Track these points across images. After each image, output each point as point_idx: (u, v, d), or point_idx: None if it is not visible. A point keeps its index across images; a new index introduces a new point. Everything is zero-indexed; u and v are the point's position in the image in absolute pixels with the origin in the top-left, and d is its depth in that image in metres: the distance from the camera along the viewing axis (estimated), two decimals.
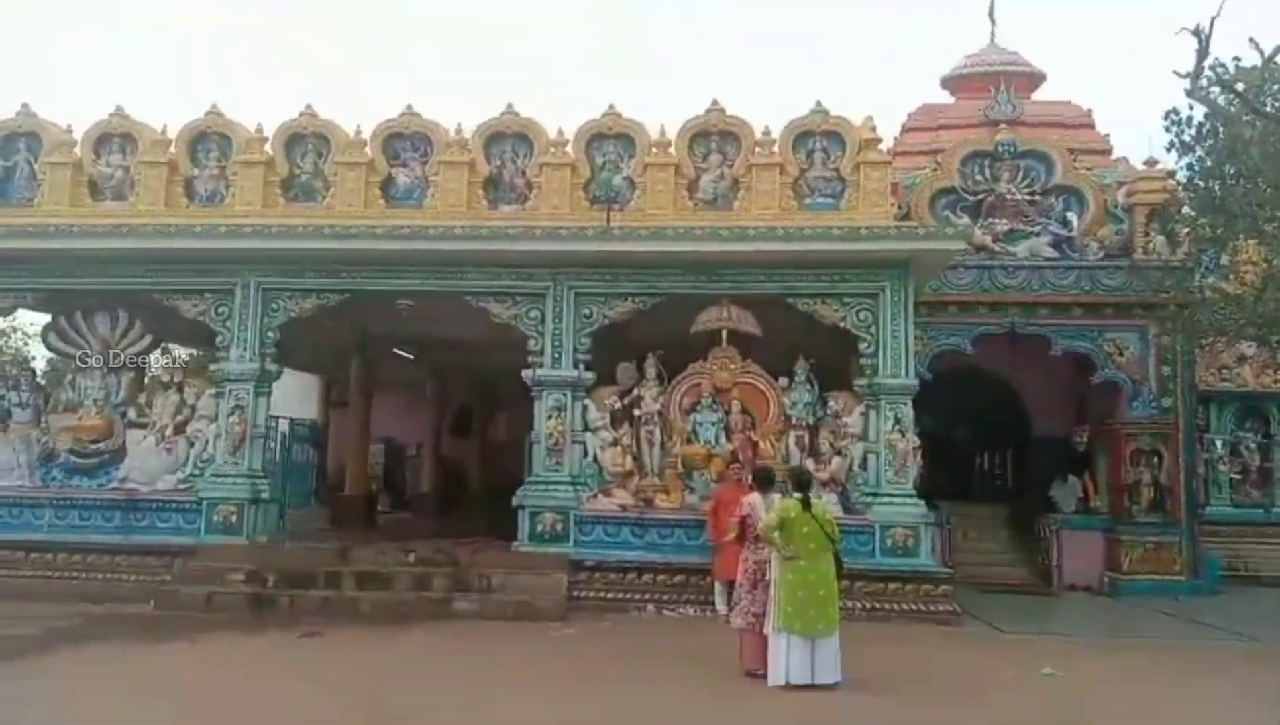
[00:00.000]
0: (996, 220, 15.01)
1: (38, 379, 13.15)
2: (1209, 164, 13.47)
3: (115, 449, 12.50)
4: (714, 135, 12.55)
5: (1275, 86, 13.16)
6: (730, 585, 10.83)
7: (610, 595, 11.55)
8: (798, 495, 8.19)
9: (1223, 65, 13.20)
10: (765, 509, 8.45)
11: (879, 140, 12.64)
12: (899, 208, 13.85)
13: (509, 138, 12.71)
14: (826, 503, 10.95)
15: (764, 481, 8.91)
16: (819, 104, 12.55)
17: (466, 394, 21.14)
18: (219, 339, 12.42)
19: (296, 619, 10.45)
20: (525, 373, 12.22)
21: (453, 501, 19.83)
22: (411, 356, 18.37)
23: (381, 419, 19.19)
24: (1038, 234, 15.00)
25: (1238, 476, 16.08)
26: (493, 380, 19.04)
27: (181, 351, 13.61)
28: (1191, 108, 13.54)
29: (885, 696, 7.58)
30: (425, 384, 20.09)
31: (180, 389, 12.58)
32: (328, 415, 21.02)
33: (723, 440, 12.09)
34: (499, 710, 7.06)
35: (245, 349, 12.32)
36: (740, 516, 8.63)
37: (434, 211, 12.39)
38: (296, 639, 9.50)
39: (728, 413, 12.14)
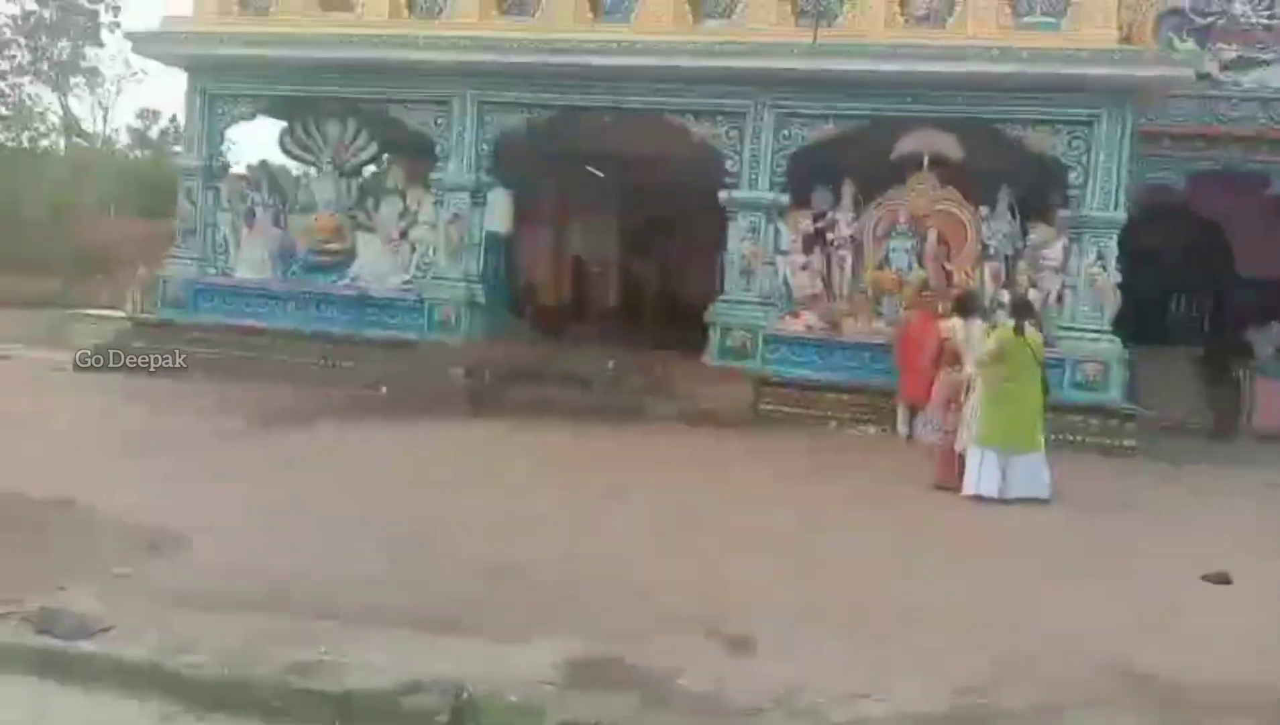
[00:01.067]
0: (1225, 46, 14.08)
1: (276, 181, 14.30)
2: None
3: (347, 249, 13.67)
4: None
5: None
6: (912, 409, 11.28)
7: (795, 411, 12.04)
8: (1014, 322, 8.48)
9: None
10: (964, 334, 8.73)
11: None
12: (1119, 29, 13.11)
13: None
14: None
15: (966, 307, 9.13)
16: None
17: (648, 214, 21.59)
18: (438, 149, 13.21)
19: (510, 410, 11.43)
20: (721, 194, 12.53)
21: (634, 318, 20.65)
22: (601, 174, 18.87)
23: (568, 236, 19.96)
24: (1269, 63, 14.02)
25: None
26: (674, 201, 19.39)
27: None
28: None
29: (1069, 512, 7.96)
30: (611, 203, 20.62)
31: (403, 196, 13.53)
32: (517, 229, 21.90)
33: (915, 267, 12.22)
34: (707, 492, 7.85)
35: (463, 161, 13.09)
36: (941, 339, 8.94)
37: (640, 25, 12.52)
38: (518, 427, 10.51)
39: (922, 240, 12.21)
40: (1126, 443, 11.30)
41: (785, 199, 12.43)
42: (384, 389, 12.50)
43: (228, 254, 14.06)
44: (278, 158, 14.42)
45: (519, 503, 7.02)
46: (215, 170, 14.07)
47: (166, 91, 56.17)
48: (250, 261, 13.92)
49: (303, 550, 5.41)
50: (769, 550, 6.18)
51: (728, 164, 12.47)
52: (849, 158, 12.33)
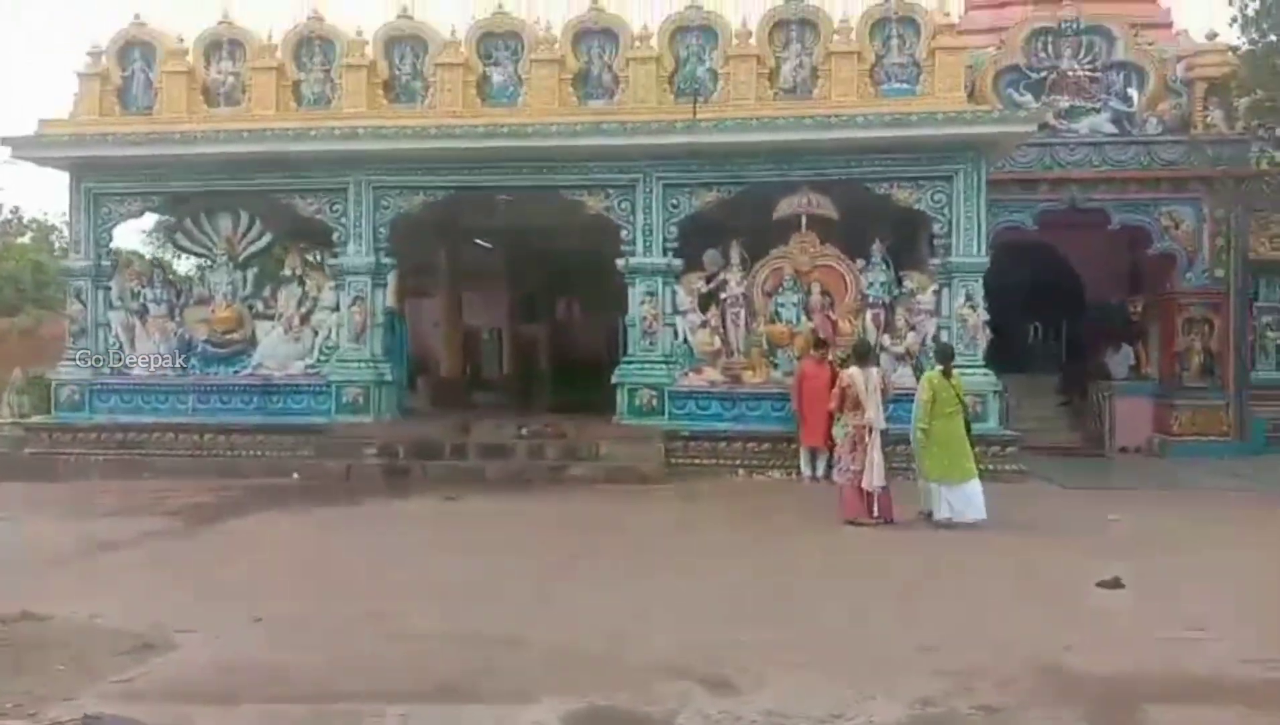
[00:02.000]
0: (1058, 97, 15.44)
1: (168, 275, 14.21)
2: (1272, 38, 13.83)
3: (247, 338, 13.67)
4: (793, 24, 13.06)
5: None
6: (813, 451, 12.04)
7: (704, 462, 12.68)
8: (940, 367, 9.47)
9: None
10: (863, 381, 9.47)
11: (953, 26, 13.12)
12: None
13: (596, 34, 13.28)
14: (901, 375, 12.06)
15: (862, 356, 9.90)
16: None
17: (536, 279, 22.05)
18: (335, 235, 13.43)
19: (430, 486, 11.69)
20: (619, 261, 13.14)
21: (528, 383, 20.97)
22: (489, 246, 19.30)
23: (460, 306, 20.21)
24: (1098, 110, 15.47)
25: None
26: (560, 266, 19.98)
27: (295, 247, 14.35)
28: None
29: (982, 533, 8.75)
30: (500, 271, 21.01)
31: (302, 282, 13.65)
32: (403, 303, 22.07)
33: (803, 319, 13.03)
34: (653, 546, 8.34)
35: (361, 244, 13.33)
36: (841, 387, 9.67)
37: (528, 109, 13.10)
38: (443, 501, 10.75)
39: (808, 293, 13.05)
40: (1011, 467, 12.24)
41: (679, 263, 13.12)
42: (295, 475, 12.55)
43: (122, 352, 13.84)
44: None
45: (478, 574, 7.30)
46: (104, 269, 13.89)
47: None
48: (146, 357, 13.75)
49: (287, 639, 5.58)
50: (726, 593, 6.66)
51: (622, 233, 13.10)
52: (735, 220, 13.13)
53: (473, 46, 13.42)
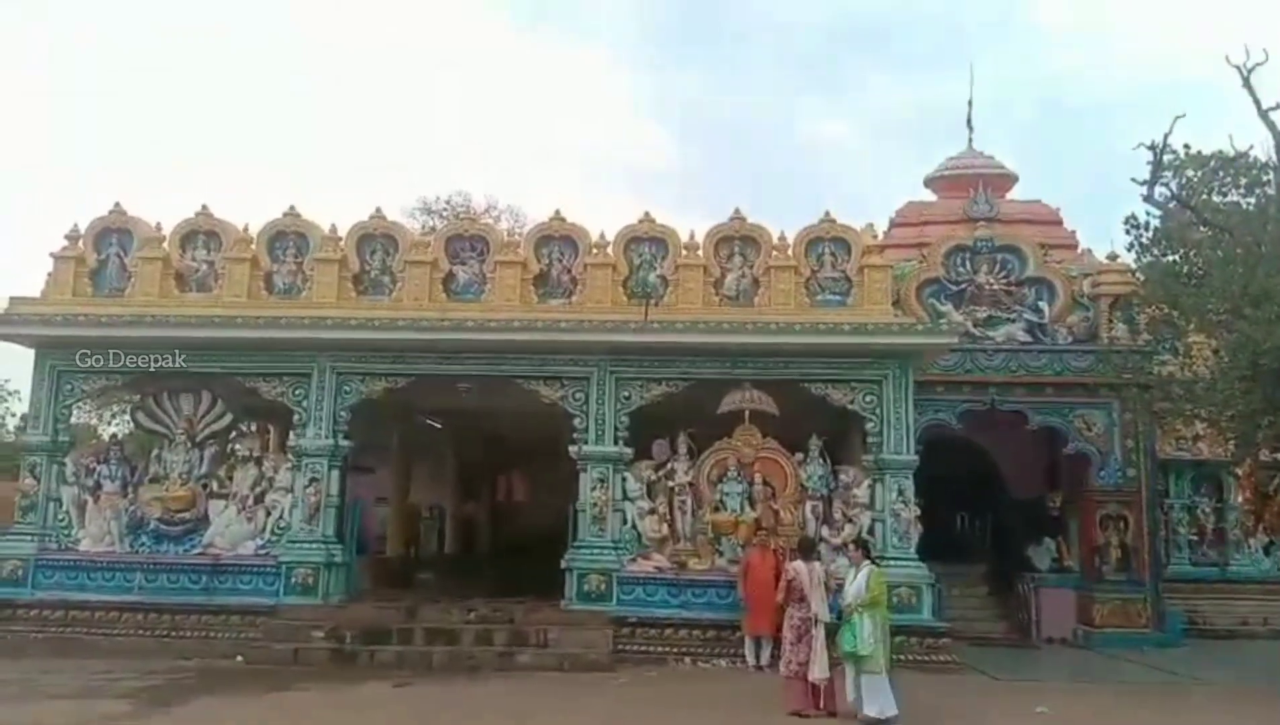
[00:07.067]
0: (976, 308, 16.80)
1: (124, 453, 14.37)
2: (1164, 260, 15.39)
3: (199, 517, 13.77)
4: (736, 240, 14.25)
5: (1226, 181, 15.18)
6: (758, 640, 12.43)
7: (651, 649, 12.96)
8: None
9: (1175, 154, 15.12)
10: (808, 574, 10.04)
11: (881, 247, 14.43)
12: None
13: (556, 240, 14.34)
14: (839, 565, 12.63)
15: (807, 550, 10.50)
16: (828, 214, 14.32)
17: (480, 460, 22.48)
18: (296, 417, 13.82)
19: (378, 671, 11.78)
20: (572, 448, 13.73)
21: (469, 562, 21.05)
22: (439, 426, 19.78)
23: (407, 485, 20.44)
24: (1013, 321, 16.82)
25: (1195, 538, 17.82)
26: (505, 448, 20.51)
27: (254, 428, 14.67)
28: (1148, 213, 15.55)
29: None
30: (445, 450, 21.41)
31: (259, 463, 13.92)
32: (344, 480, 22.20)
33: (747, 508, 13.63)
34: None
35: (321, 427, 13.74)
36: (786, 581, 10.20)
37: (491, 305, 13.94)
38: (393, 688, 10.83)
39: (751, 484, 13.70)
40: (943, 658, 12.74)
41: (629, 451, 13.75)
42: (240, 658, 12.49)
43: (70, 528, 13.82)
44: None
45: None
46: (61, 445, 14.03)
47: None
48: (94, 534, 13.73)
49: None
50: None
51: (575, 422, 13.74)
52: (683, 412, 13.87)
53: (441, 247, 14.37)
